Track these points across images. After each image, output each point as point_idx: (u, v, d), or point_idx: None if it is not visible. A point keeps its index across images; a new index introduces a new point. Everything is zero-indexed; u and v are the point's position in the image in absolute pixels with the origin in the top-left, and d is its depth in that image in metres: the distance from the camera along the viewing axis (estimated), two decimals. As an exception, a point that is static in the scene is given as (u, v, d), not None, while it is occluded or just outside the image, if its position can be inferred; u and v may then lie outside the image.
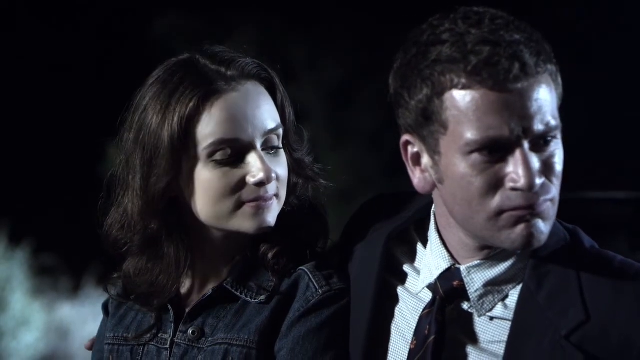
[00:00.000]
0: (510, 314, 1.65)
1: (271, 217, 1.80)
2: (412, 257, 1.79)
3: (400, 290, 1.77)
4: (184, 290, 1.90)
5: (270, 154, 1.81)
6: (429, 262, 1.72)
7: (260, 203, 1.78)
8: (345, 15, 8.95)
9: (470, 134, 1.56)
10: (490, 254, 1.66)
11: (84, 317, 7.99)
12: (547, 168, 1.57)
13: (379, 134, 8.84)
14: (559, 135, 1.59)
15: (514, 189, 1.56)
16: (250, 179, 1.78)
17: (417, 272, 1.76)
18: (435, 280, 1.70)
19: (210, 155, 1.78)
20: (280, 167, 1.82)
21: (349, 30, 8.98)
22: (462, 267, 1.68)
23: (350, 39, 9.05)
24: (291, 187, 1.86)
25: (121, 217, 1.85)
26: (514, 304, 1.65)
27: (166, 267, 1.84)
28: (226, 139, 1.77)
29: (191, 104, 1.77)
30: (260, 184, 1.77)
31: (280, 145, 1.83)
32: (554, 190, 1.59)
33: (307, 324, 1.77)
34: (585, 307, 1.59)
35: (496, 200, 1.57)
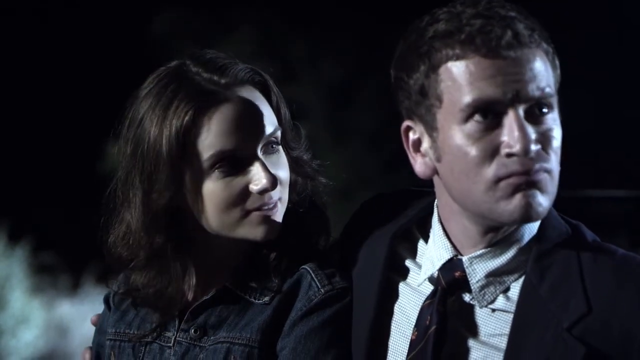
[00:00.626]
0: (512, 306, 1.65)
1: (277, 224, 1.80)
2: (413, 253, 1.79)
3: (401, 285, 1.78)
4: (187, 288, 1.90)
5: (271, 156, 1.81)
6: (431, 254, 1.73)
7: (265, 212, 1.78)
8: (345, 15, 8.95)
9: (463, 99, 1.58)
10: (493, 239, 1.66)
11: (84, 314, 7.99)
12: (544, 139, 1.59)
13: (379, 133, 8.85)
14: (555, 109, 1.61)
15: (509, 155, 1.57)
16: (254, 188, 1.77)
17: (419, 266, 1.77)
18: (437, 271, 1.71)
19: (212, 166, 1.76)
20: (282, 169, 1.82)
21: (349, 29, 8.98)
22: (464, 258, 1.68)
23: (350, 39, 9.05)
24: (291, 185, 1.86)
25: (124, 233, 1.83)
26: (516, 296, 1.65)
27: (174, 280, 1.83)
28: (226, 150, 1.76)
29: (187, 117, 1.74)
30: (264, 191, 1.77)
31: (280, 147, 1.83)
32: (552, 162, 1.60)
33: (310, 323, 1.77)
34: (587, 299, 1.60)
35: (492, 169, 1.58)
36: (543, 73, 1.58)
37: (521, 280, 1.66)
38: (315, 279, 1.80)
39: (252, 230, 1.79)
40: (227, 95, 1.77)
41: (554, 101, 1.60)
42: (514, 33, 1.56)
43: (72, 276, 8.35)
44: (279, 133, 1.82)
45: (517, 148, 1.56)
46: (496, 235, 1.67)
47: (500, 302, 1.67)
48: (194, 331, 1.85)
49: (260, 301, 1.82)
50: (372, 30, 8.57)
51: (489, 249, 1.67)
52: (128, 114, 1.82)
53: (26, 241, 8.10)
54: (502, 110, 1.57)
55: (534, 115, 1.58)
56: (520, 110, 1.57)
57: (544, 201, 1.60)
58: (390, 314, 1.77)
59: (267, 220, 1.79)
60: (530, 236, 1.67)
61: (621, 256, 1.65)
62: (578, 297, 1.60)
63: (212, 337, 1.84)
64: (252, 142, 1.77)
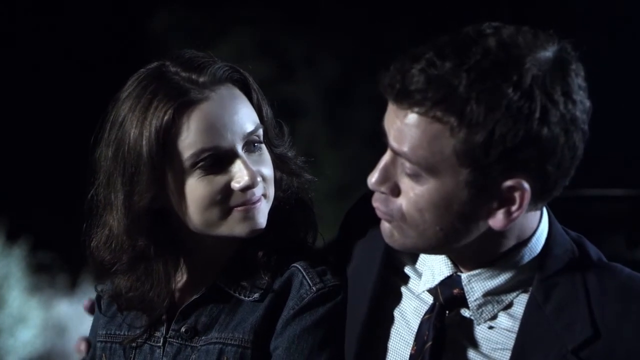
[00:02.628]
0: (514, 323, 1.65)
1: (261, 219, 1.80)
2: (414, 258, 1.79)
3: (403, 289, 1.77)
4: (177, 288, 1.89)
5: (253, 154, 1.80)
6: (433, 265, 1.72)
7: (248, 207, 1.78)
8: (344, 12, 8.94)
9: None
10: (477, 260, 1.66)
11: (81, 314, 7.95)
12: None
13: (377, 130, 8.83)
14: (418, 170, 1.58)
15: None
16: (235, 185, 1.77)
17: (418, 274, 1.76)
18: (436, 285, 1.70)
19: (194, 165, 1.76)
20: (265, 166, 1.81)
21: (347, 28, 8.97)
22: (463, 276, 1.67)
23: (348, 37, 9.04)
24: (276, 182, 1.85)
25: (107, 237, 1.83)
26: (518, 314, 1.64)
27: (156, 283, 1.83)
28: (207, 148, 1.75)
29: (167, 117, 1.74)
30: (246, 188, 1.77)
31: (263, 145, 1.82)
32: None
33: (302, 322, 1.77)
34: (594, 323, 1.59)
35: None
36: (405, 135, 1.57)
37: (523, 296, 1.65)
38: (307, 277, 1.80)
39: (236, 227, 1.79)
40: (205, 93, 1.77)
41: (412, 164, 1.60)
42: (402, 91, 1.55)
43: (70, 275, 8.34)
44: (260, 131, 1.81)
45: None
46: (464, 263, 1.67)
47: (503, 318, 1.66)
48: (184, 331, 1.85)
49: (250, 298, 1.81)
50: (370, 28, 8.56)
51: (487, 267, 1.65)
52: (109, 118, 1.81)
53: (24, 240, 8.09)
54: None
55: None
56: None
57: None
58: (389, 315, 1.77)
59: (251, 216, 1.78)
60: (531, 257, 1.65)
61: (627, 277, 1.63)
62: (584, 320, 1.59)
63: (203, 337, 1.84)
64: (233, 139, 1.76)
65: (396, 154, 1.58)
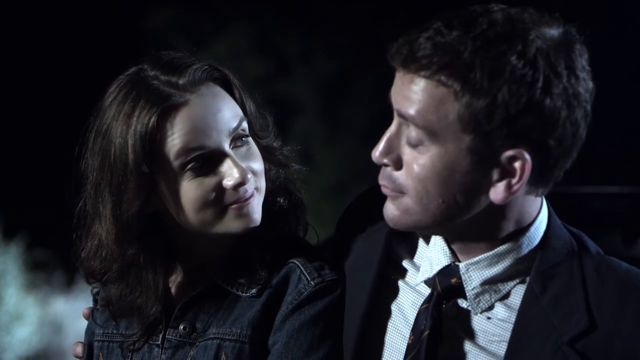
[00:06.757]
0: (510, 314, 1.65)
1: (256, 214, 1.81)
2: (412, 252, 1.79)
3: (400, 283, 1.78)
4: (173, 286, 1.90)
5: (241, 148, 1.80)
6: (431, 255, 1.72)
7: (242, 204, 1.78)
8: (341, 10, 8.94)
9: None
10: (477, 248, 1.67)
11: (78, 311, 7.95)
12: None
13: (373, 127, 8.83)
14: (427, 137, 1.59)
15: None
16: (227, 184, 1.77)
17: (416, 267, 1.77)
18: (434, 275, 1.70)
19: (183, 167, 1.77)
20: (255, 161, 1.82)
21: (343, 25, 8.97)
22: (461, 265, 1.68)
23: (344, 34, 9.04)
24: (265, 174, 1.86)
25: (97, 247, 1.83)
26: (516, 304, 1.65)
27: (145, 291, 1.84)
28: (192, 148, 1.76)
29: (150, 124, 1.74)
30: (237, 185, 1.77)
31: (250, 139, 1.83)
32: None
33: (301, 316, 1.78)
34: (590, 315, 1.59)
35: None
36: (414, 101, 1.58)
37: (520, 287, 1.66)
38: (305, 272, 1.81)
39: (231, 225, 1.79)
40: (186, 96, 1.76)
41: (423, 129, 1.61)
42: (410, 56, 1.56)
43: (67, 273, 8.33)
44: (245, 124, 1.81)
45: None
46: (467, 251, 1.67)
47: (499, 308, 1.67)
48: (182, 328, 1.85)
49: (248, 294, 1.82)
50: (366, 25, 8.56)
51: (485, 255, 1.66)
52: (93, 127, 1.81)
53: (20, 238, 8.09)
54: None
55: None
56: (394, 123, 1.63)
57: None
58: (387, 309, 1.77)
59: (245, 212, 1.79)
60: (530, 247, 1.66)
61: (624, 271, 1.65)
62: (581, 312, 1.60)
63: (201, 334, 1.84)
64: (219, 138, 1.77)
65: (404, 118, 1.59)
